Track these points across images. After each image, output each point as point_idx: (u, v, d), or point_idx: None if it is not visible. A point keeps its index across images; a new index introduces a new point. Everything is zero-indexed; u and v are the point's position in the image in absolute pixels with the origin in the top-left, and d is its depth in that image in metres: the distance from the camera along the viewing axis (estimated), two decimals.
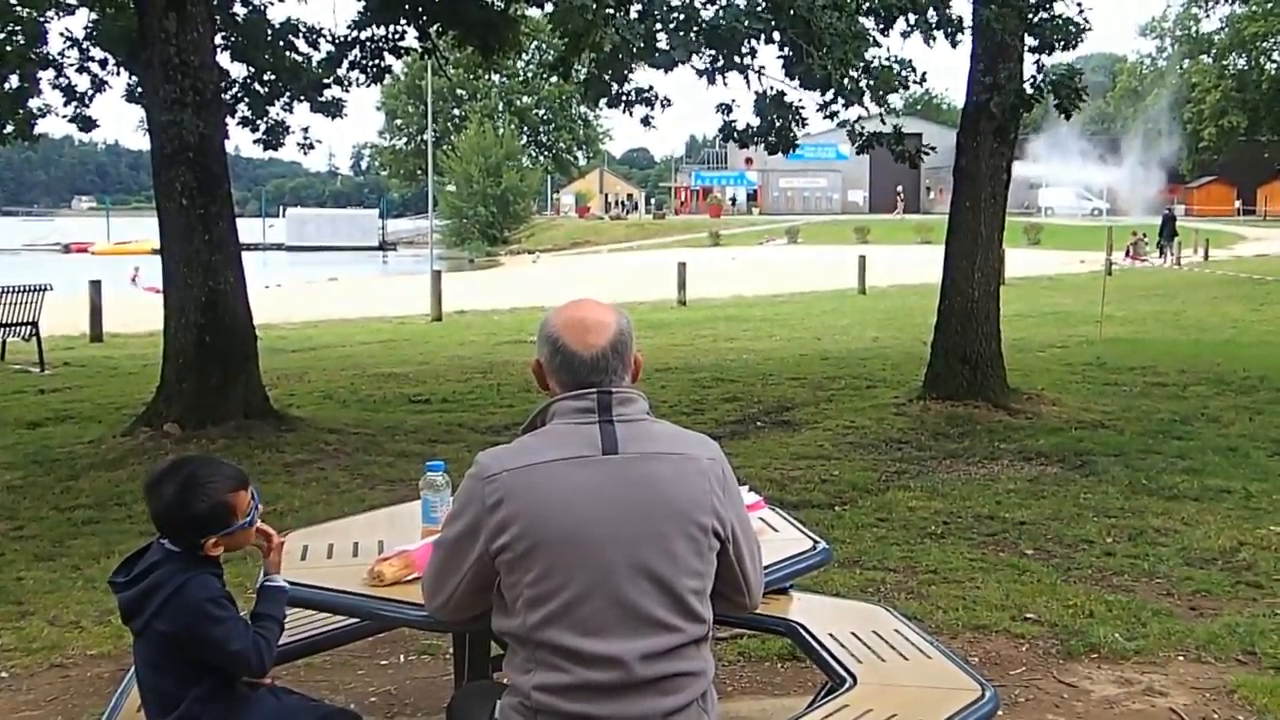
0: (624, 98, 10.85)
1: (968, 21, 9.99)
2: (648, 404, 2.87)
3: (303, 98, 12.93)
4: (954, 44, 9.92)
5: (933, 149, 11.40)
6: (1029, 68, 10.42)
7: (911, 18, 9.73)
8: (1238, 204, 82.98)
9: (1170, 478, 8.33)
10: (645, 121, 11.20)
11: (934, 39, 9.80)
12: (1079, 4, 10.06)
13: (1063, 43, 10.02)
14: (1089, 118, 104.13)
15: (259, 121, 12.87)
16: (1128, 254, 43.10)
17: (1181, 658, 5.10)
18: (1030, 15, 9.76)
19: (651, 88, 11.09)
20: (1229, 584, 6.10)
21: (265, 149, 13.27)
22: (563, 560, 2.65)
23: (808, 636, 3.84)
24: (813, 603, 4.27)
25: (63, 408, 12.28)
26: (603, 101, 10.95)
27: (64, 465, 9.25)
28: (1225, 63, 75.32)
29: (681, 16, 9.24)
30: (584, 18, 8.24)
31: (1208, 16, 77.26)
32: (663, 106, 11.15)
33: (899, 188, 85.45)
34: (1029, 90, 10.27)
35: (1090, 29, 10.02)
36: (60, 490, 8.55)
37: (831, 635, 3.83)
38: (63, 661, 5.25)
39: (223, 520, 3.16)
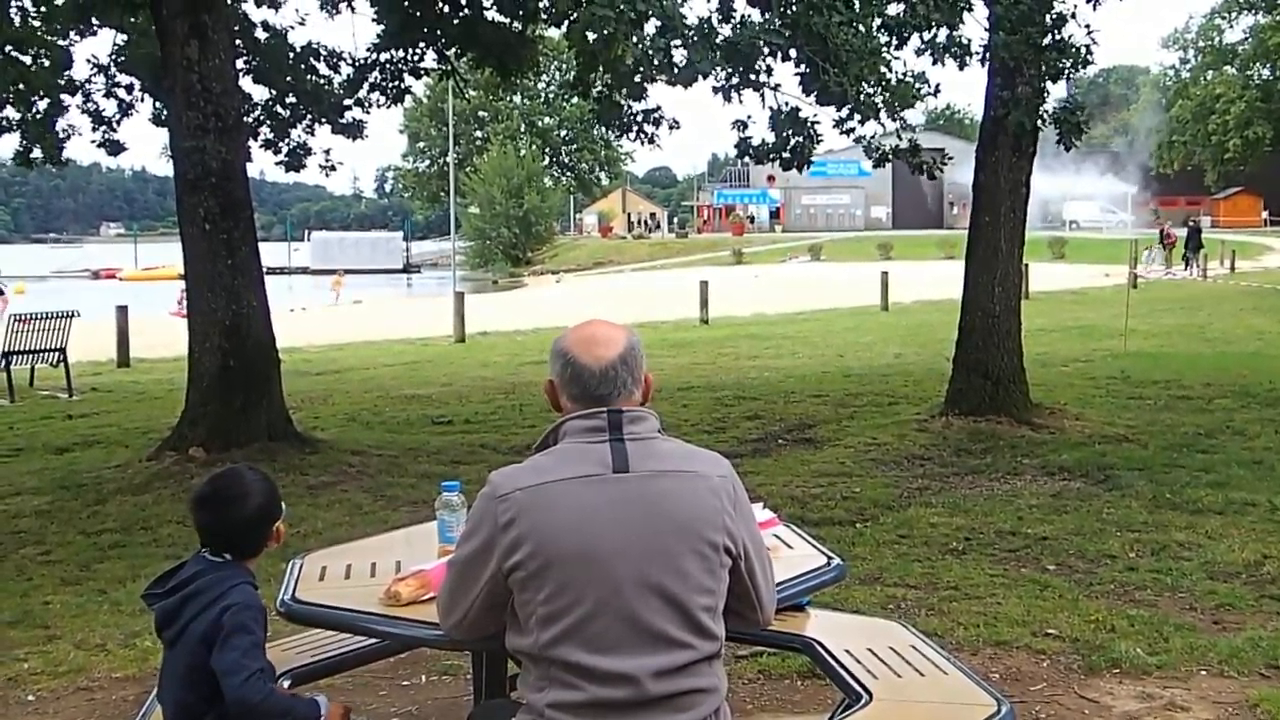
0: (634, 120, 10.93)
1: (979, 44, 10.01)
2: (659, 422, 2.88)
3: (324, 120, 13.07)
4: (962, 67, 9.95)
5: (950, 158, 11.39)
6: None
7: (926, 35, 9.77)
8: (1265, 215, 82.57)
9: (1194, 491, 8.28)
10: (650, 140, 11.29)
11: (943, 62, 9.84)
12: (1087, 26, 10.08)
13: (1071, 66, 10.03)
14: (1112, 129, 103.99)
15: (281, 144, 13.01)
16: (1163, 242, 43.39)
17: (1204, 672, 5.08)
18: (1039, 40, 9.75)
19: (659, 107, 11.21)
20: (1253, 598, 6.07)
21: (287, 170, 13.40)
22: (574, 578, 2.66)
23: (824, 653, 3.84)
24: (830, 619, 4.28)
25: (90, 433, 12.37)
26: (611, 126, 11.05)
27: (91, 490, 9.31)
28: (1250, 73, 74.99)
29: (700, 32, 9.29)
30: (605, 32, 8.29)
31: (1231, 27, 77.01)
32: (670, 128, 11.25)
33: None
34: (1040, 115, 10.28)
35: (1097, 44, 10.03)
36: (87, 514, 8.61)
37: (848, 651, 3.82)
38: (88, 685, 5.28)
39: (280, 504, 3.46)
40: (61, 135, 12.96)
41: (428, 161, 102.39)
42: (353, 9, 13.35)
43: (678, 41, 9.04)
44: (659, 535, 2.71)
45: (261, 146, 13.01)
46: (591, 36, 8.51)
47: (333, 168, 13.86)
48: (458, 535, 3.27)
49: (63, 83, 12.68)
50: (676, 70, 9.20)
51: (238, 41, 11.30)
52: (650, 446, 2.80)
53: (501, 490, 2.74)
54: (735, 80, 9.58)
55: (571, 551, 2.67)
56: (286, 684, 3.59)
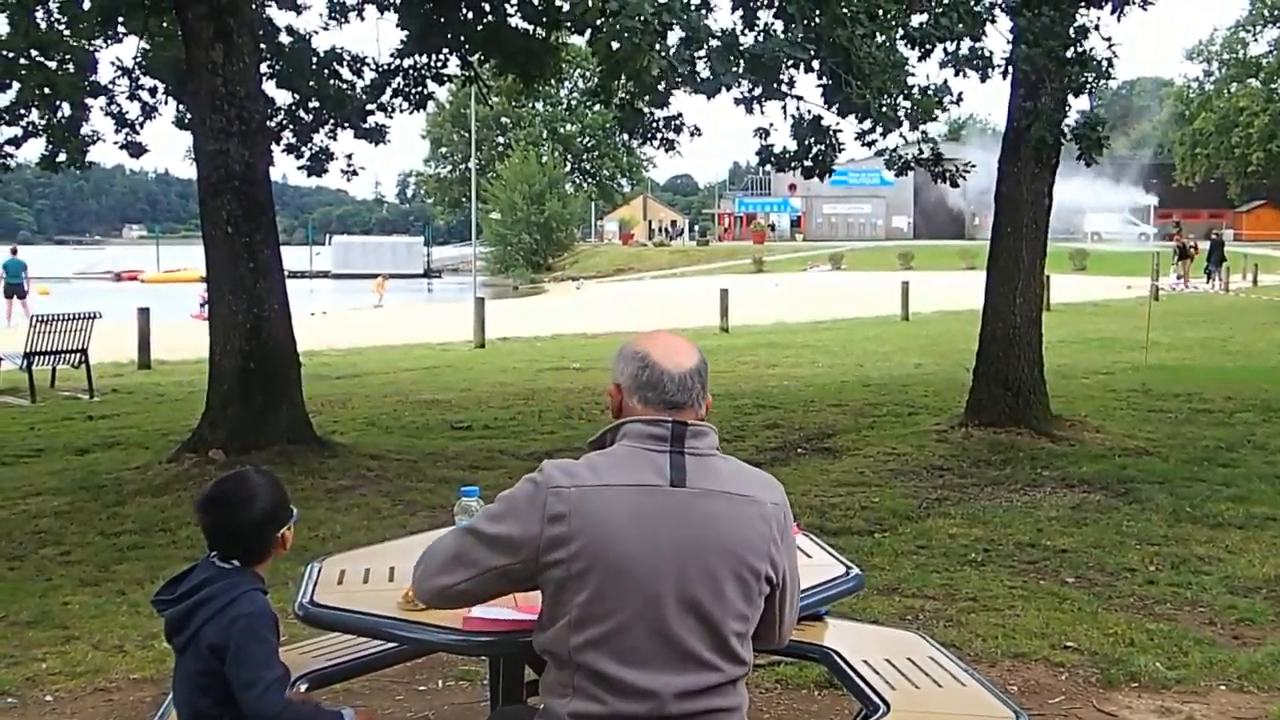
0: (655, 127, 10.97)
1: (1001, 56, 10.01)
2: (717, 439, 2.85)
3: (347, 125, 13.10)
4: (984, 79, 9.93)
5: (973, 166, 11.37)
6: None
7: (949, 46, 9.76)
8: None
9: (1215, 505, 8.25)
10: (671, 146, 11.33)
11: (966, 74, 9.83)
12: (1108, 39, 10.05)
13: (1094, 79, 10.01)
14: (1135, 142, 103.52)
15: (303, 148, 13.05)
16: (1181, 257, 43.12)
17: (1223, 687, 5.05)
18: (1062, 53, 9.73)
19: (680, 114, 11.23)
20: (1273, 613, 6.04)
21: (309, 175, 13.44)
22: (615, 586, 2.64)
23: (842, 663, 3.83)
24: (848, 629, 4.27)
25: (110, 434, 12.42)
26: (633, 133, 11.07)
27: (110, 491, 9.34)
28: (1274, 86, 74.69)
29: (725, 44, 9.30)
30: (631, 43, 8.30)
31: (1255, 40, 76.73)
32: (692, 135, 11.30)
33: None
34: (1061, 130, 10.26)
35: (1118, 57, 10.02)
36: (106, 516, 8.64)
37: (866, 662, 3.82)
38: (106, 685, 5.30)
39: (289, 509, 3.40)
40: (87, 139, 13.04)
41: (449, 167, 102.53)
42: (361, 17, 13.41)
43: (701, 53, 9.05)
44: (705, 556, 2.68)
45: (284, 151, 13.06)
46: (616, 45, 8.52)
47: (355, 172, 13.88)
48: None
49: (87, 86, 12.75)
50: (700, 81, 9.22)
51: (262, 46, 11.34)
52: (708, 464, 2.78)
53: (557, 482, 2.69)
54: (758, 91, 9.59)
55: (618, 559, 2.64)
56: (304, 687, 3.59)
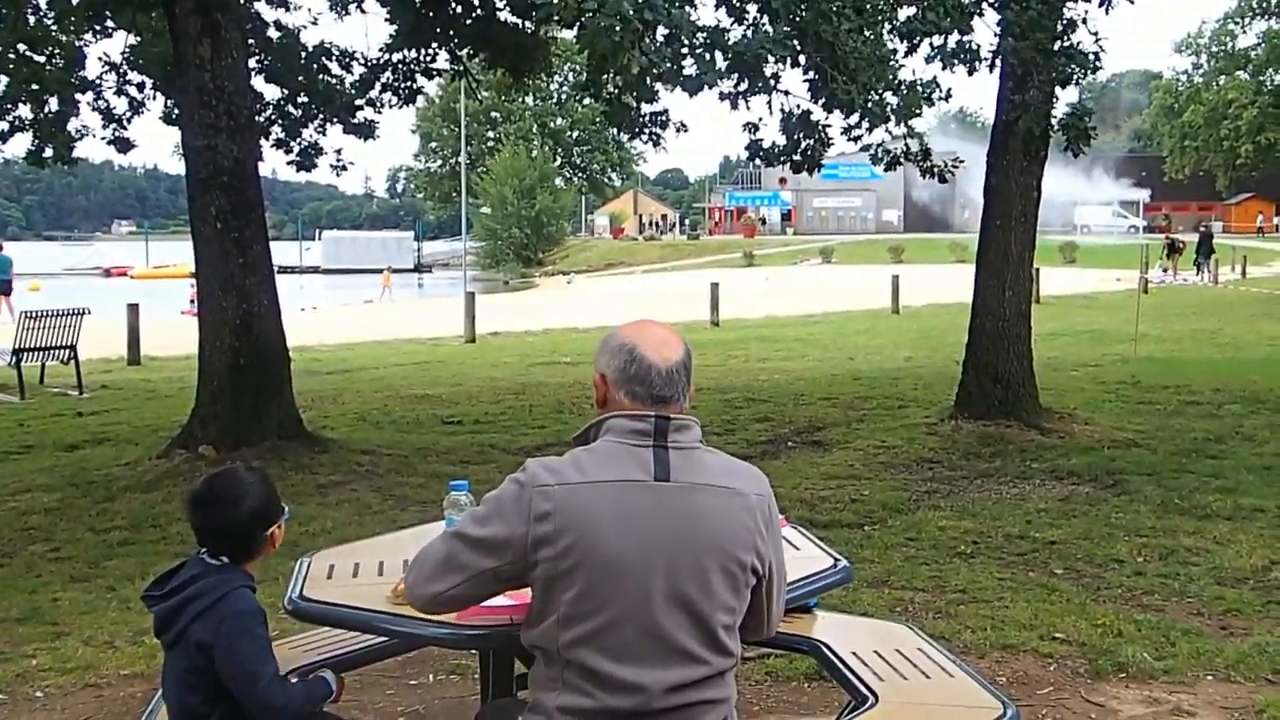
0: (642, 122, 10.98)
1: (988, 50, 10.02)
2: (701, 431, 2.84)
3: (336, 120, 13.09)
4: (971, 72, 9.96)
5: (961, 161, 11.37)
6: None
7: (936, 40, 9.77)
8: (1277, 220, 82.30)
9: (1203, 497, 8.28)
10: (657, 142, 11.35)
11: (954, 68, 9.85)
12: (1094, 33, 10.08)
13: (1081, 71, 10.04)
14: (1124, 134, 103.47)
15: (293, 143, 13.04)
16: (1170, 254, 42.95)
17: (1210, 677, 5.08)
18: (1049, 46, 9.75)
19: (666, 111, 11.24)
20: (1260, 603, 6.07)
21: (299, 170, 13.43)
22: (604, 583, 2.63)
23: (830, 655, 3.84)
24: (837, 621, 4.28)
25: (100, 430, 12.40)
26: (621, 128, 11.09)
27: (100, 487, 9.33)
28: (1262, 78, 74.74)
29: (708, 41, 9.30)
30: (611, 39, 8.29)
31: (1244, 32, 76.76)
32: (678, 131, 11.32)
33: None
34: (1050, 122, 10.28)
35: (1105, 51, 10.05)
36: (96, 512, 8.64)
37: (854, 654, 3.83)
38: (96, 681, 5.30)
39: (279, 507, 3.39)
40: (74, 135, 13.02)
41: (440, 162, 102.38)
42: (363, 10, 13.39)
43: (684, 49, 9.05)
44: (691, 550, 2.68)
45: (273, 146, 13.04)
46: (597, 41, 8.52)
47: (344, 168, 13.89)
48: None
49: (75, 81, 12.72)
50: (683, 78, 9.22)
51: (250, 41, 11.32)
52: (692, 457, 2.77)
53: (542, 480, 2.68)
54: (743, 87, 9.60)
55: (605, 556, 2.63)
56: (293, 680, 3.60)
